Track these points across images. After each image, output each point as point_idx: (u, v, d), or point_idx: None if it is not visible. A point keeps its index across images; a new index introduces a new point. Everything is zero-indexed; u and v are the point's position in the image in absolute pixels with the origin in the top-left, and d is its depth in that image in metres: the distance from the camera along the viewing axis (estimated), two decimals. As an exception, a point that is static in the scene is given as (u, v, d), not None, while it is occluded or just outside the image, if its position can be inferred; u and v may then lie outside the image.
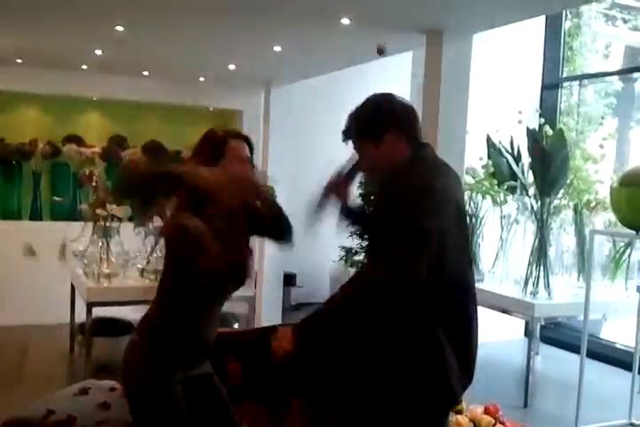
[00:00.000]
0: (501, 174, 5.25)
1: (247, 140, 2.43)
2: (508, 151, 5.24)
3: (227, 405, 2.45)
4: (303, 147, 7.39)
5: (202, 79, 6.91)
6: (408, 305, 2.02)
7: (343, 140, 2.30)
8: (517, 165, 5.11)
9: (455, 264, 2.11)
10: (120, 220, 4.78)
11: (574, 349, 5.46)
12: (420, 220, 1.96)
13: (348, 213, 2.50)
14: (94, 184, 5.00)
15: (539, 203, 4.89)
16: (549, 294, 4.86)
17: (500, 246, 5.43)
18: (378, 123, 2.20)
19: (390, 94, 2.28)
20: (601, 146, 4.87)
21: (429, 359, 2.05)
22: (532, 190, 4.97)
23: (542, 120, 5.05)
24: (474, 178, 5.51)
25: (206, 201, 2.21)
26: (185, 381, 2.32)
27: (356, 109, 2.27)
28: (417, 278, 1.94)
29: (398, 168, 2.14)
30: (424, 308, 2.05)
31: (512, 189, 5.20)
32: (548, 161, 4.69)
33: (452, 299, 2.11)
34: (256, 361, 2.67)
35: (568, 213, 5.11)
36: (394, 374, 2.07)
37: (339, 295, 2.05)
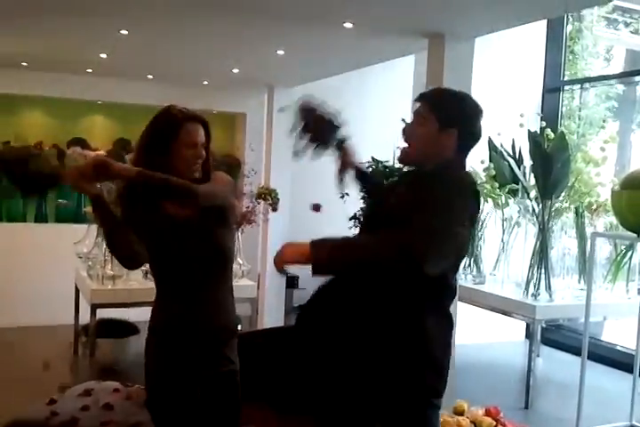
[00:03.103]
0: (503, 177, 5.27)
1: (204, 123, 2.39)
2: (509, 154, 5.27)
3: (239, 403, 2.46)
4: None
5: (206, 82, 6.94)
6: (400, 293, 2.04)
7: (415, 100, 2.24)
8: (519, 167, 5.13)
9: (455, 269, 2.18)
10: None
11: (575, 351, 5.48)
12: (460, 219, 1.97)
13: (362, 177, 2.58)
14: (98, 187, 5.03)
15: (540, 205, 4.91)
16: (550, 296, 4.87)
17: (502, 249, 5.45)
18: (459, 115, 2.19)
19: (481, 110, 2.27)
20: (602, 149, 4.89)
21: (414, 349, 2.08)
22: (533, 193, 4.99)
23: (544, 123, 5.07)
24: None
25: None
26: (212, 377, 2.34)
27: (455, 93, 2.26)
28: (435, 267, 1.87)
29: (449, 164, 2.16)
30: (416, 299, 2.08)
31: (513, 192, 5.22)
32: (550, 164, 4.71)
33: (442, 297, 2.16)
34: (262, 362, 2.69)
35: (569, 216, 5.13)
36: (378, 363, 2.09)
37: (360, 241, 2.06)
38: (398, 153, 2.26)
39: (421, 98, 2.23)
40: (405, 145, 2.23)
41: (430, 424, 2.17)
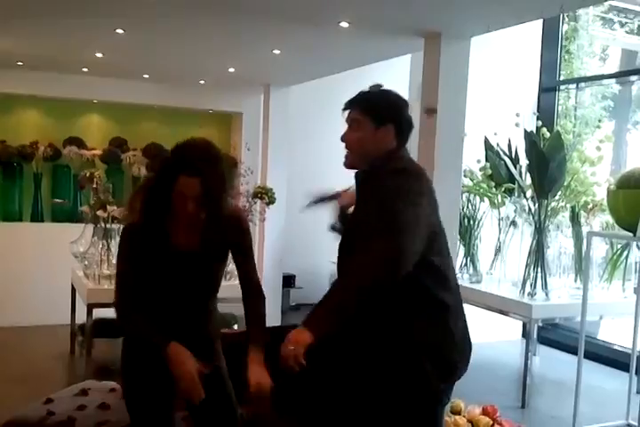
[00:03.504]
0: (499, 177, 5.27)
1: (203, 176, 2.24)
2: (505, 154, 5.27)
3: (230, 396, 2.48)
4: (303, 148, 7.43)
5: (202, 82, 6.94)
6: (392, 296, 2.07)
7: (344, 109, 2.32)
8: (515, 167, 5.14)
9: (443, 259, 2.21)
10: (120, 221, 4.80)
11: (572, 350, 5.49)
12: (412, 203, 2.03)
13: (343, 219, 2.54)
14: (95, 186, 5.03)
15: (536, 205, 4.92)
16: (547, 295, 4.88)
17: (498, 248, 5.46)
18: (391, 110, 2.27)
19: (406, 101, 2.35)
20: (598, 148, 4.89)
21: (408, 353, 2.10)
22: (529, 192, 5.00)
23: (540, 123, 5.08)
24: (472, 180, 5.54)
25: None
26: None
27: (376, 89, 2.34)
28: (407, 262, 1.95)
29: (391, 156, 2.23)
30: (408, 301, 2.11)
31: (510, 192, 5.23)
32: (546, 163, 4.71)
33: (436, 294, 2.17)
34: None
35: (565, 215, 5.14)
36: (378, 368, 2.13)
37: (336, 288, 2.06)
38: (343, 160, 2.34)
39: (350, 105, 2.31)
40: (346, 151, 2.32)
41: (438, 423, 2.22)
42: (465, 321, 2.26)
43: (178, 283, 2.36)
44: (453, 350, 2.17)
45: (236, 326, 5.41)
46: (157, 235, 2.31)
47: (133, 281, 2.33)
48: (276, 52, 5.27)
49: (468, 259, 5.58)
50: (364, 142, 2.26)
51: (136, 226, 2.37)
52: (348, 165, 2.33)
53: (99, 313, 4.67)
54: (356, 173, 2.34)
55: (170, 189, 2.26)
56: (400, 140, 2.28)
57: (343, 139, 2.32)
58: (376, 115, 2.25)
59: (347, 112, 2.32)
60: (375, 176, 2.18)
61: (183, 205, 2.26)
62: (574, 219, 5.13)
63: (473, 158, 5.39)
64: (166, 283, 2.36)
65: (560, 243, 5.11)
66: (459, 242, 5.40)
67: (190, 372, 2.18)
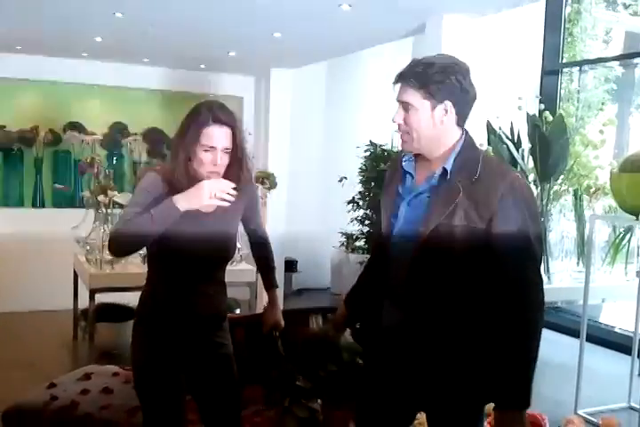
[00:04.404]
0: (501, 160, 5.25)
1: (232, 127, 2.21)
2: (508, 137, 5.24)
3: (233, 375, 2.46)
4: (303, 132, 7.40)
5: (202, 66, 6.91)
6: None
7: (395, 83, 2.00)
8: (517, 150, 5.11)
9: None
10: (122, 206, 4.79)
11: (574, 333, 5.49)
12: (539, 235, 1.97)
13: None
14: (95, 171, 5.02)
15: (539, 188, 4.90)
16: (549, 278, 4.88)
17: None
18: (447, 87, 1.93)
19: (467, 66, 2.01)
20: (601, 131, 4.87)
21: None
22: (532, 176, 4.98)
23: (542, 106, 5.04)
24: (474, 164, 5.52)
25: None
26: (203, 360, 2.38)
27: (431, 59, 1.98)
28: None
29: (467, 143, 2.02)
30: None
31: (512, 175, 5.21)
32: (548, 147, 4.69)
33: None
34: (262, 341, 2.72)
35: (568, 199, 5.12)
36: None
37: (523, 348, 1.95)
38: (399, 142, 2.07)
39: (399, 78, 1.99)
40: (403, 133, 2.02)
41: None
42: None
43: (194, 245, 2.25)
44: None
45: (238, 311, 5.43)
46: (182, 189, 2.18)
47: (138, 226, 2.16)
48: (277, 35, 5.23)
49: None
50: (419, 126, 1.96)
51: (163, 175, 2.25)
52: (409, 148, 2.03)
53: (101, 298, 4.68)
54: (415, 164, 2.06)
55: (196, 142, 2.18)
56: (461, 117, 2.00)
57: (394, 120, 2.01)
58: (429, 91, 1.92)
59: (397, 86, 2.00)
60: (481, 180, 1.91)
61: (210, 159, 2.19)
62: (577, 202, 5.11)
63: (475, 142, 5.37)
64: (182, 245, 2.24)
65: (562, 226, 5.10)
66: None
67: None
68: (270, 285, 2.67)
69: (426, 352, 1.98)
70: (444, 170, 1.96)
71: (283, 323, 2.66)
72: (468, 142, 2.03)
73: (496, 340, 1.93)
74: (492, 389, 1.94)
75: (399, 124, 2.01)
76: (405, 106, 1.97)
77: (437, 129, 1.97)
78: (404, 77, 1.97)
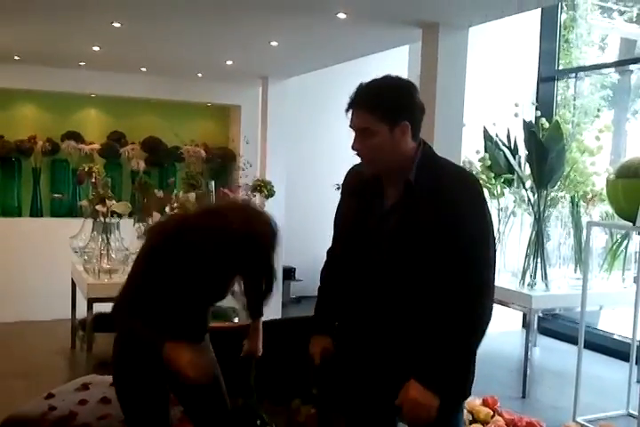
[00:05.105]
0: (498, 167, 5.26)
1: None
2: (504, 144, 5.26)
3: (220, 386, 2.51)
4: (301, 141, 7.41)
5: (200, 75, 6.92)
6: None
7: (347, 110, 2.02)
8: (514, 157, 5.13)
9: None
10: (120, 216, 4.80)
11: (572, 340, 5.49)
12: (491, 231, 2.06)
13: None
14: (93, 180, 5.02)
15: (535, 195, 4.91)
16: (547, 285, 4.88)
17: (498, 239, 5.45)
18: (402, 107, 1.99)
19: (413, 83, 2.07)
20: (597, 138, 4.88)
21: None
22: (528, 183, 4.99)
23: (539, 113, 5.06)
24: (471, 171, 5.53)
25: None
26: None
27: (379, 83, 2.01)
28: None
29: (427, 152, 2.07)
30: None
31: (509, 182, 5.21)
32: (545, 153, 4.70)
33: None
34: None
35: (565, 206, 5.13)
36: None
37: (459, 343, 1.99)
38: (364, 166, 2.11)
39: (352, 105, 2.01)
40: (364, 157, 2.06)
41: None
42: None
43: None
44: None
45: (236, 320, 5.42)
46: None
47: None
48: (274, 44, 5.25)
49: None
50: (381, 149, 2.00)
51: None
52: (371, 173, 2.09)
53: (99, 308, 4.67)
54: (384, 179, 2.09)
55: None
56: (413, 135, 2.03)
57: (354, 147, 2.03)
58: (388, 115, 1.96)
59: (349, 113, 2.02)
60: (433, 188, 1.99)
61: None
62: (574, 209, 5.12)
63: (472, 149, 5.38)
64: None
65: (560, 233, 5.11)
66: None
67: None
68: (258, 314, 2.63)
69: (400, 339, 2.06)
70: (409, 183, 2.03)
71: (261, 353, 2.63)
72: (426, 152, 2.09)
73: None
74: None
75: (359, 150, 2.04)
76: (363, 131, 2.01)
77: (398, 147, 2.02)
78: (358, 104, 2.00)
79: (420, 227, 1.98)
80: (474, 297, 1.97)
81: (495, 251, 2.04)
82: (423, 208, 1.98)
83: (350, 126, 2.04)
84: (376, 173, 2.09)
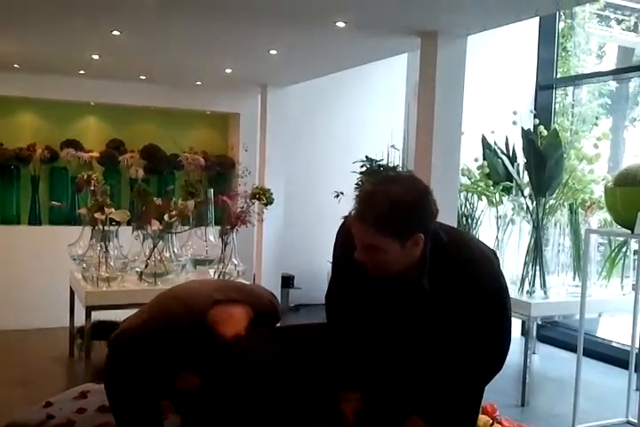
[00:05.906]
0: (497, 175, 5.27)
1: None
2: (503, 152, 5.27)
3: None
4: (300, 148, 7.42)
5: (199, 83, 6.94)
6: None
7: (355, 223, 1.90)
8: (512, 165, 5.14)
9: None
10: (118, 223, 4.80)
11: (571, 347, 5.49)
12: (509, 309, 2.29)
13: None
14: (92, 188, 5.02)
15: (534, 203, 4.92)
16: (546, 293, 4.88)
17: (496, 246, 5.45)
18: (414, 223, 1.86)
19: (426, 189, 1.91)
20: (595, 146, 4.90)
21: None
22: (527, 191, 5.00)
23: (537, 121, 5.08)
24: (469, 179, 5.53)
25: None
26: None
27: (388, 198, 1.82)
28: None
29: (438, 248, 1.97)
30: None
31: (507, 190, 5.23)
32: (543, 161, 4.71)
33: None
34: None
35: (563, 213, 5.14)
36: None
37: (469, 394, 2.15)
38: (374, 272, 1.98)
39: (361, 221, 1.87)
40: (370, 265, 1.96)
41: None
42: None
43: None
44: None
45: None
46: None
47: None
48: (273, 52, 5.26)
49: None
50: (391, 262, 1.90)
51: None
52: (383, 276, 1.98)
53: (97, 315, 4.67)
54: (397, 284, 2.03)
55: None
56: (430, 235, 1.93)
57: (360, 260, 1.90)
58: (397, 233, 1.83)
59: (357, 226, 1.88)
60: (449, 296, 1.99)
61: None
62: (572, 217, 5.13)
63: (470, 157, 5.39)
64: None
65: (558, 241, 5.11)
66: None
67: None
68: None
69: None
70: (422, 285, 1.97)
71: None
72: (433, 244, 1.96)
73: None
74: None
75: (365, 262, 1.93)
76: (369, 246, 1.88)
77: (409, 257, 1.92)
78: (366, 221, 1.85)
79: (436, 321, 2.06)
80: (487, 362, 2.16)
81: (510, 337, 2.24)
82: (438, 310, 2.04)
83: (355, 240, 1.91)
84: (387, 276, 1.99)
